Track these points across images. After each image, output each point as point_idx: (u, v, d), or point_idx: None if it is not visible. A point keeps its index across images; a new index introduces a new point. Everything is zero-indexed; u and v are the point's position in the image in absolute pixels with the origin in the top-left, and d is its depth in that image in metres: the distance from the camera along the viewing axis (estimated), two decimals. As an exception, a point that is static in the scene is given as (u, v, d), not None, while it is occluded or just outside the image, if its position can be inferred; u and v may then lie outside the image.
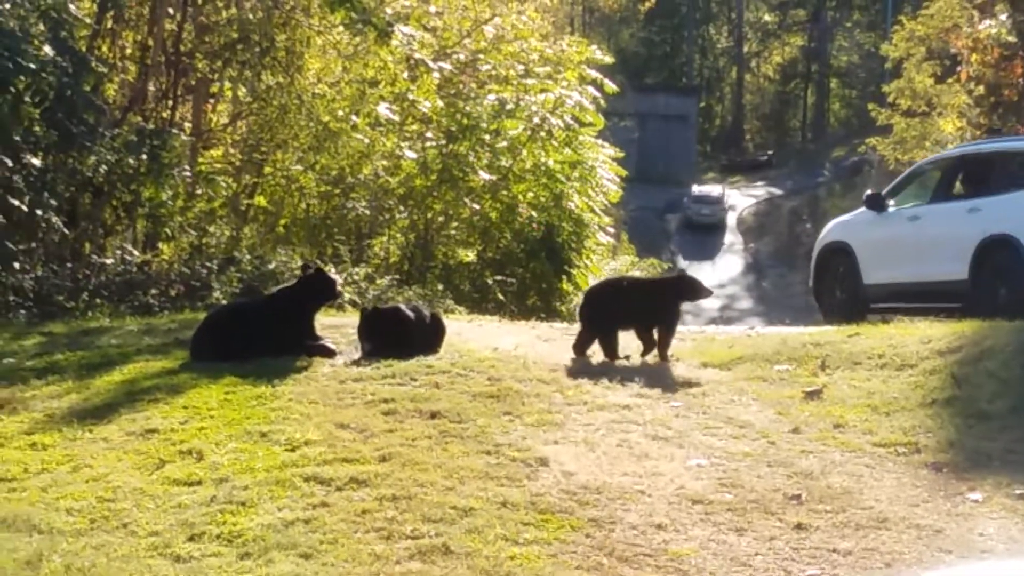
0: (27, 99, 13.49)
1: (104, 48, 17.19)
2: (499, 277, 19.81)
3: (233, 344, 9.05)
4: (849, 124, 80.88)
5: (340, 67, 19.55)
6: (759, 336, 11.22)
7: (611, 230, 24.79)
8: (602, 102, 22.00)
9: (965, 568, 4.98)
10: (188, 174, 16.06)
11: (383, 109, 18.87)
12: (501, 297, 19.28)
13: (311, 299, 9.55)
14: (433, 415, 7.49)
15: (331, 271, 10.82)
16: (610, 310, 9.70)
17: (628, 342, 9.79)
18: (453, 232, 20.77)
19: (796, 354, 9.57)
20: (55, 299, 12.97)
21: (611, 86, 22.43)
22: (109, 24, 17.24)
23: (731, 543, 5.66)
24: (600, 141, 22.52)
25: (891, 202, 14.49)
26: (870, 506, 6.18)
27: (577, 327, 10.51)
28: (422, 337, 9.35)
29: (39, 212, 13.41)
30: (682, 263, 52.54)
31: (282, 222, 19.61)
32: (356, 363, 8.91)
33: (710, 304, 30.03)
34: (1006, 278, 12.29)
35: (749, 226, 69.27)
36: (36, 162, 13.60)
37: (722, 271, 57.32)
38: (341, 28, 17.92)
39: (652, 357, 9.63)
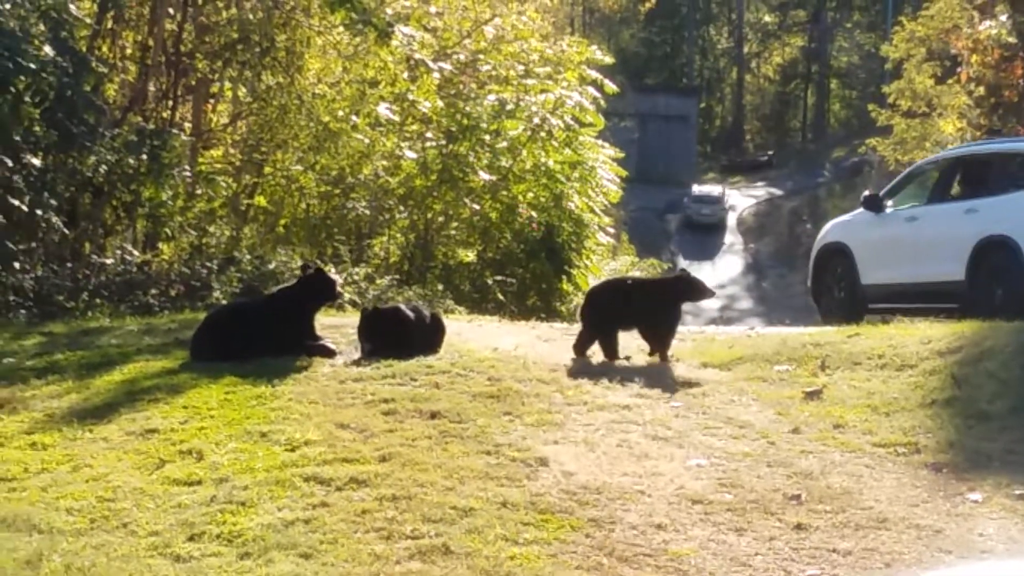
0: (27, 99, 13.49)
1: (104, 48, 17.20)
2: (499, 277, 19.80)
3: (233, 344, 9.05)
4: (849, 125, 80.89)
5: (340, 67, 19.55)
6: (759, 336, 11.22)
7: (611, 230, 24.79)
8: (602, 102, 21.99)
9: (965, 568, 4.98)
10: (188, 174, 16.06)
11: (383, 109, 18.87)
12: (501, 297, 19.28)
13: (311, 299, 9.55)
14: (433, 415, 7.49)
15: (331, 271, 10.82)
16: (611, 310, 9.70)
17: (628, 342, 9.79)
18: (453, 232, 20.77)
19: (796, 354, 9.57)
20: (55, 299, 12.97)
21: (611, 86, 22.43)
22: (109, 24, 17.24)
23: (731, 543, 5.66)
24: (600, 141, 22.51)
25: (889, 203, 14.53)
26: (870, 506, 6.18)
27: (577, 327, 10.51)
28: (422, 337, 9.35)
29: (39, 212, 13.41)
30: (682, 263, 52.49)
31: (282, 222, 19.61)
32: (356, 363, 8.91)
33: (710, 304, 30.01)
34: (1003, 279, 12.31)
35: (749, 226, 69.29)
36: (36, 162, 13.60)
37: (722, 271, 57.31)
38: (341, 28, 17.92)
39: (656, 357, 9.63)
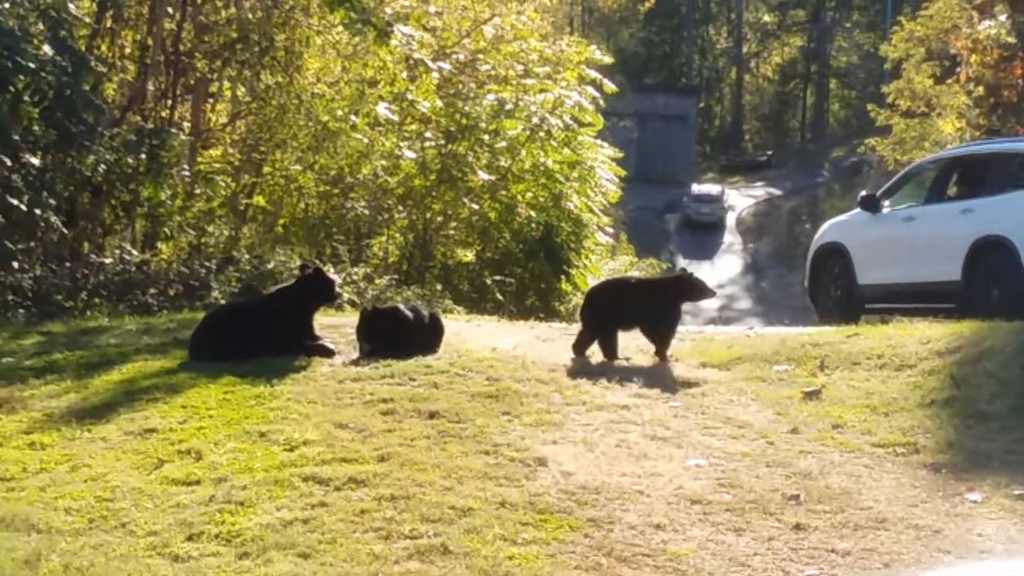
0: (26, 98, 13.49)
1: (103, 47, 17.19)
2: (498, 277, 19.80)
3: (232, 344, 9.05)
4: (848, 125, 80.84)
5: (339, 67, 19.55)
6: (758, 336, 11.22)
7: (610, 230, 24.80)
8: (601, 102, 21.99)
9: (964, 568, 4.98)
10: (187, 174, 16.05)
11: (382, 109, 18.87)
12: (500, 297, 19.27)
13: (310, 299, 9.55)
14: (432, 415, 7.49)
15: (330, 271, 10.81)
16: (610, 310, 9.69)
17: (628, 343, 9.79)
18: (452, 232, 20.76)
19: (795, 354, 9.57)
20: (54, 298, 12.97)
21: (610, 86, 22.42)
22: (108, 23, 17.23)
23: (730, 543, 5.66)
24: (599, 141, 22.51)
25: (886, 203, 14.56)
26: (869, 506, 6.18)
27: (576, 327, 10.50)
28: (421, 337, 9.35)
29: (38, 211, 13.40)
30: (681, 263, 52.52)
31: (281, 222, 19.61)
32: (355, 363, 8.91)
33: (709, 304, 29.97)
34: (998, 279, 12.34)
35: (748, 226, 69.30)
36: (35, 161, 13.59)
37: (721, 271, 57.31)
38: (340, 28, 17.92)
39: (672, 355, 9.63)
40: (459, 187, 20.00)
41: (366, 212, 19.28)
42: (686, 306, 10.29)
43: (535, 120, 20.31)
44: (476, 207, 19.96)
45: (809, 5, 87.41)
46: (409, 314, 9.56)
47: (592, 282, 18.25)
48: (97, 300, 13.25)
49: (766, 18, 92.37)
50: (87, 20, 16.03)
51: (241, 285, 14.20)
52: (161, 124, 16.90)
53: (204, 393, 8.03)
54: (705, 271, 49.35)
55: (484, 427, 7.25)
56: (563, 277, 20.81)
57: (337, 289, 9.96)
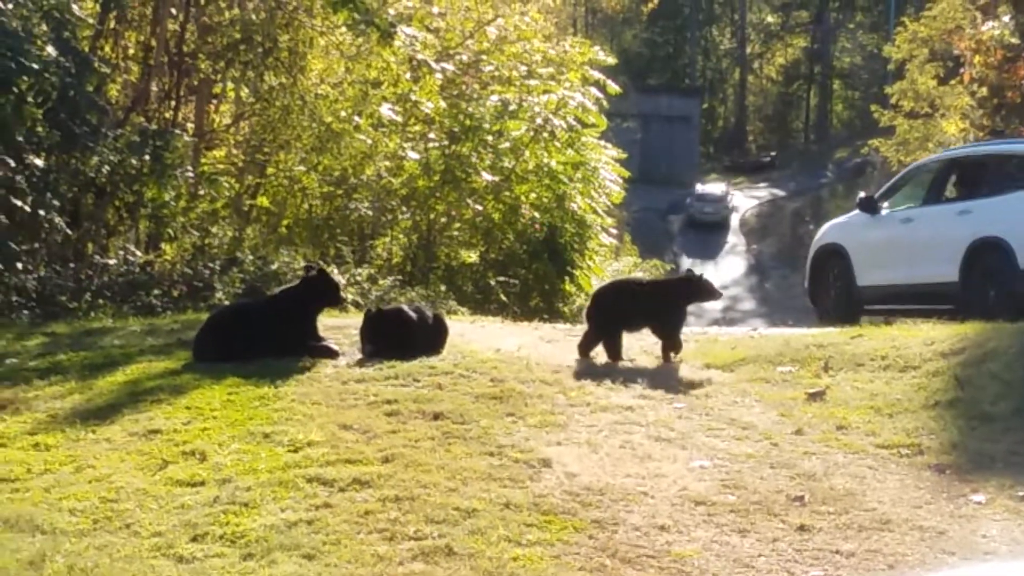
0: (30, 99, 13.49)
1: (107, 48, 17.21)
2: (502, 278, 19.79)
3: (236, 345, 9.05)
4: (852, 126, 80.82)
5: (343, 68, 19.55)
6: (762, 337, 11.21)
7: (614, 231, 24.77)
8: (605, 103, 21.98)
9: (968, 570, 4.98)
10: (191, 175, 16.06)
11: (386, 110, 18.86)
12: (504, 298, 19.26)
13: (314, 300, 9.55)
14: (436, 416, 7.49)
15: (334, 272, 10.82)
16: (616, 311, 9.68)
17: (632, 344, 9.80)
18: (456, 233, 20.76)
19: (799, 355, 9.57)
20: (58, 299, 12.97)
21: (614, 87, 22.40)
22: (112, 24, 17.25)
23: (734, 544, 5.66)
24: (603, 142, 22.50)
25: (884, 204, 14.60)
26: (873, 508, 6.18)
27: (580, 328, 10.50)
28: (425, 338, 9.35)
29: (42, 213, 13.40)
30: (686, 263, 52.49)
31: (285, 223, 19.61)
32: (359, 364, 8.91)
33: (712, 305, 29.94)
34: (995, 280, 12.39)
35: (752, 227, 69.29)
36: (39, 162, 13.59)
37: (725, 272, 57.27)
38: (344, 29, 17.91)
39: (672, 356, 9.63)
40: (463, 188, 20.00)
41: (370, 213, 19.28)
42: (690, 307, 10.29)
43: (539, 121, 20.30)
44: (480, 208, 19.96)
45: (812, 6, 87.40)
46: (413, 315, 9.56)
47: (597, 283, 18.25)
48: (101, 301, 13.26)
49: (769, 19, 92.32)
50: (90, 21, 16.04)
51: (245, 286, 14.20)
52: (165, 125, 16.91)
53: (208, 394, 8.03)
54: (709, 272, 49.31)
55: (488, 428, 7.25)
56: (567, 278, 20.80)
57: (342, 294, 9.96)
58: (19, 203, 13.20)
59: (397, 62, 18.76)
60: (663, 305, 9.75)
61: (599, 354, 9.60)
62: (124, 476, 6.46)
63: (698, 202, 66.93)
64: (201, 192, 16.92)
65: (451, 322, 10.45)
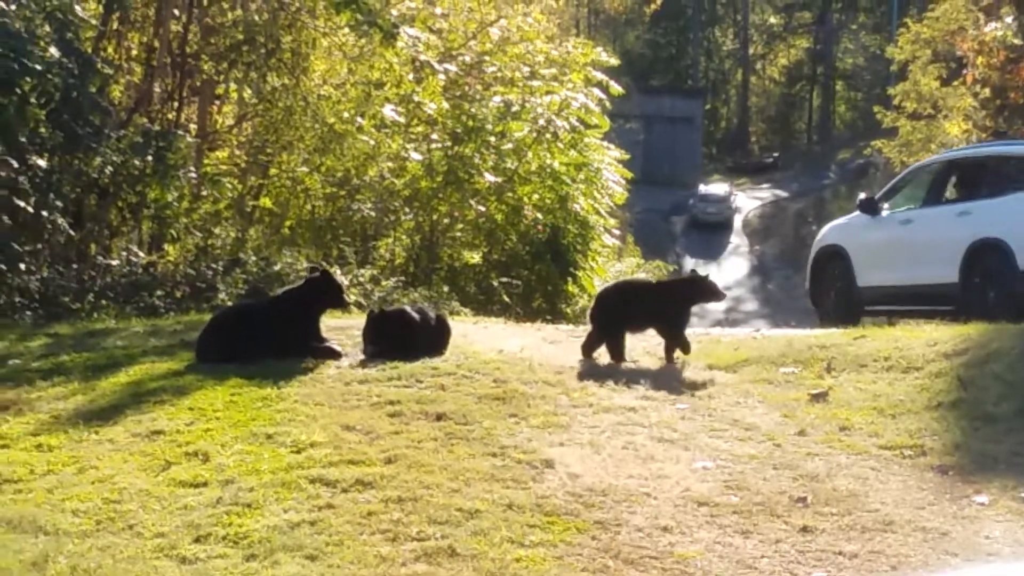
0: (33, 100, 13.50)
1: (110, 49, 17.22)
2: (504, 279, 19.79)
3: (239, 346, 9.05)
4: (855, 126, 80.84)
5: (346, 69, 19.56)
6: (765, 338, 11.21)
7: (616, 232, 24.79)
8: (607, 104, 21.99)
9: (971, 571, 4.98)
10: (194, 175, 16.06)
11: (388, 111, 18.87)
12: (506, 299, 19.26)
13: (317, 301, 9.55)
14: (439, 417, 7.49)
15: (336, 273, 10.81)
16: (619, 312, 9.68)
17: (635, 345, 9.79)
18: (458, 234, 20.76)
19: (802, 356, 9.57)
20: (61, 300, 12.98)
21: (616, 88, 22.40)
22: (115, 25, 17.26)
23: (737, 545, 5.66)
24: (605, 143, 22.51)
25: (884, 206, 14.61)
26: (876, 509, 6.18)
27: (583, 329, 10.50)
28: (427, 339, 9.35)
29: (45, 213, 13.41)
30: (689, 264, 52.47)
31: (287, 224, 19.62)
32: (362, 365, 8.91)
33: (715, 306, 30.02)
34: (995, 281, 12.41)
35: (755, 228, 69.28)
36: (42, 163, 13.61)
37: (727, 273, 57.23)
38: (347, 30, 17.94)
39: (678, 356, 9.63)
40: (465, 189, 20.00)
41: (372, 214, 19.28)
42: (693, 308, 10.28)
43: (541, 122, 20.31)
44: (483, 209, 19.96)
45: (815, 7, 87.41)
46: (416, 316, 9.56)
47: (600, 284, 18.24)
48: (104, 302, 13.27)
49: (772, 20, 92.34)
50: (93, 22, 16.06)
51: (248, 287, 14.20)
52: (168, 126, 16.92)
53: (211, 395, 8.03)
54: (712, 273, 49.25)
55: (491, 429, 7.25)
56: (570, 279, 20.81)
57: (345, 297, 9.94)
58: (22, 204, 13.21)
59: (400, 63, 18.78)
60: (667, 306, 9.74)
61: (602, 355, 9.60)
62: (127, 477, 6.46)
63: (701, 203, 66.96)
64: (204, 193, 16.92)
65: (454, 323, 10.45)
